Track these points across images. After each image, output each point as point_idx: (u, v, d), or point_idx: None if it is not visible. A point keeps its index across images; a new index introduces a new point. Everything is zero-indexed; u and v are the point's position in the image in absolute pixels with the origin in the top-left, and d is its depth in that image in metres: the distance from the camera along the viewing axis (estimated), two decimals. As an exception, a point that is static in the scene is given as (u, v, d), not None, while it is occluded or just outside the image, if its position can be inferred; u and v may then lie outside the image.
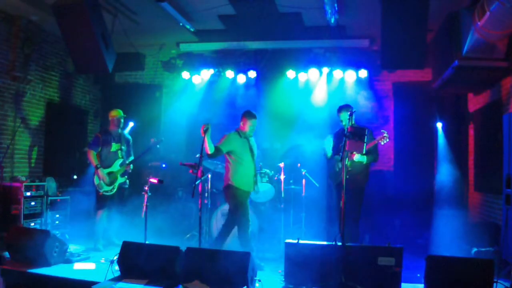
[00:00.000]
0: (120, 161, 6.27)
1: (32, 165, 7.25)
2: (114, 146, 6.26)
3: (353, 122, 4.69)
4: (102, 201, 6.19)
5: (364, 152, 4.76)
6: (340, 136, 5.39)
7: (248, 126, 5.48)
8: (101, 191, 6.13)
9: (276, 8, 6.34)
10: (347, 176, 4.98)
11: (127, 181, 6.44)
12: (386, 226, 6.76)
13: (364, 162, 5.32)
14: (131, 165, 6.40)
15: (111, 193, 6.19)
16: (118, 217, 6.32)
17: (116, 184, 6.22)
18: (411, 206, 6.87)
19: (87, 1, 5.42)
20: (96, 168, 6.12)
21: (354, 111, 4.82)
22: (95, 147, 6.21)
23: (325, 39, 7.39)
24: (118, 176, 6.23)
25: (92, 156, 6.16)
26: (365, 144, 4.51)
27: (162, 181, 5.40)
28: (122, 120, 6.36)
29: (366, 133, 4.51)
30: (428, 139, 7.59)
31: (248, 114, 5.50)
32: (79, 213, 6.88)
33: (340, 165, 5.43)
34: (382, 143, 5.22)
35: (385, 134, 5.20)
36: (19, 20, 6.70)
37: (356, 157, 5.20)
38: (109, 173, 6.18)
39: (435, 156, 7.55)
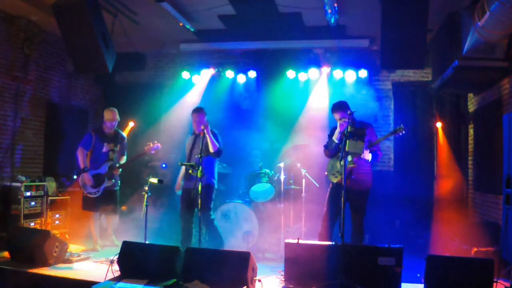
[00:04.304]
0: (109, 163, 6.12)
1: (32, 165, 7.24)
2: (106, 147, 6.13)
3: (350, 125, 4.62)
4: (88, 202, 6.08)
5: (362, 152, 4.74)
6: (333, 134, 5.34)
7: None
8: (85, 192, 6.03)
9: (276, 8, 6.33)
10: (353, 176, 4.97)
11: (118, 182, 6.28)
12: (386, 226, 6.76)
13: (370, 159, 5.08)
14: (120, 169, 6.21)
15: (96, 195, 6.04)
16: (116, 217, 6.30)
17: (102, 187, 6.06)
18: (411, 206, 6.86)
19: (87, 1, 5.42)
20: (83, 170, 5.98)
21: (354, 111, 4.80)
22: (87, 146, 6.07)
23: (325, 39, 7.39)
24: (105, 179, 6.08)
25: (82, 156, 6.02)
26: (364, 144, 4.49)
27: (162, 181, 5.40)
28: (115, 124, 6.20)
29: (366, 133, 4.50)
30: (428, 139, 7.61)
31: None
32: (79, 213, 6.88)
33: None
34: (400, 134, 5.05)
35: (401, 126, 5.01)
36: (19, 20, 6.70)
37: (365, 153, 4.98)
38: (96, 175, 6.05)
39: (435, 156, 7.56)
